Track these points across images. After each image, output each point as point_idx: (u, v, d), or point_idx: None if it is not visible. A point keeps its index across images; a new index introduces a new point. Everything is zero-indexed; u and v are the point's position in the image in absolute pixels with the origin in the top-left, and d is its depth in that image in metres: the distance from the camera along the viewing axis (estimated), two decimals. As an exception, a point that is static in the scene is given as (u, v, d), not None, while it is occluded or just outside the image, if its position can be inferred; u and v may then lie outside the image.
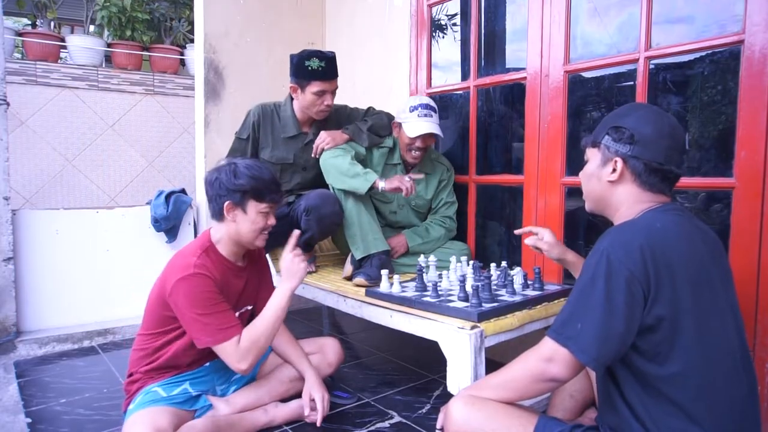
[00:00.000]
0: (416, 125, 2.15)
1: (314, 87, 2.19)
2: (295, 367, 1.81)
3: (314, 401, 1.73)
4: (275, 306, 1.63)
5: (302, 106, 2.28)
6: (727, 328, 1.06)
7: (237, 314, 1.71)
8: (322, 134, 2.25)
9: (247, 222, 1.62)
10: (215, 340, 1.52)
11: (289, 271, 1.67)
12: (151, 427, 1.42)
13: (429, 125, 2.15)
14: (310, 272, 2.29)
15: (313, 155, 2.26)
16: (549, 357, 1.07)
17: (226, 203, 1.59)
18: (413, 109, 2.18)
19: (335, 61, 2.24)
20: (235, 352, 1.53)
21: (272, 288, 1.86)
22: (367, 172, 2.04)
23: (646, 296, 1.00)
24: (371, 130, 2.30)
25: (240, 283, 1.70)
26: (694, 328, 1.01)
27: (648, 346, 1.02)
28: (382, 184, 1.99)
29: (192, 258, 1.56)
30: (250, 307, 1.79)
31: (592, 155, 1.23)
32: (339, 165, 2.09)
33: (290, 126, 2.32)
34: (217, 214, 1.63)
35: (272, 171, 1.69)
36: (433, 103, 2.23)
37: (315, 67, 2.17)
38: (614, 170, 1.16)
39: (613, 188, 1.18)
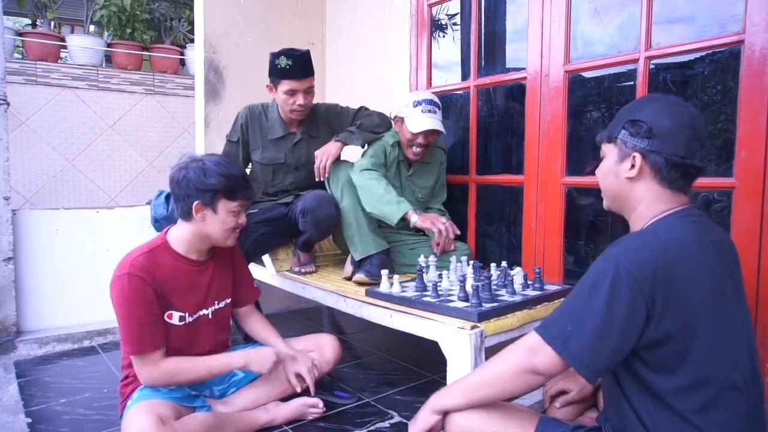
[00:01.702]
0: (419, 121, 2.10)
1: (284, 86, 2.14)
2: (267, 344, 1.81)
3: (300, 376, 1.74)
4: (217, 363, 1.60)
5: (279, 105, 2.25)
6: (737, 342, 1.03)
7: (212, 310, 1.70)
8: (318, 154, 2.20)
9: (218, 222, 1.58)
10: (132, 350, 1.50)
11: (257, 358, 1.63)
12: (153, 413, 1.41)
13: (432, 121, 2.10)
14: (310, 272, 2.29)
15: (318, 179, 2.21)
16: (533, 349, 1.05)
17: (195, 203, 1.54)
18: (417, 103, 2.12)
19: (307, 60, 2.15)
20: (146, 364, 1.51)
21: (251, 281, 1.87)
22: (400, 201, 1.96)
23: (649, 311, 0.97)
24: (361, 128, 2.26)
25: (203, 278, 1.66)
26: (704, 343, 0.98)
27: (655, 359, 1.00)
28: (414, 218, 1.92)
29: (131, 257, 1.52)
30: (228, 301, 1.77)
31: (609, 151, 1.16)
32: (374, 189, 2.01)
33: (277, 127, 2.29)
34: (185, 215, 1.58)
35: (241, 167, 1.62)
36: (437, 99, 2.18)
37: (283, 66, 2.11)
38: (633, 166, 1.09)
39: (631, 185, 1.11)
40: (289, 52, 2.12)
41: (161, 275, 1.54)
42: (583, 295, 1.03)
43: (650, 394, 1.02)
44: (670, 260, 0.98)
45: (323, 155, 2.19)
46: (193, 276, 1.64)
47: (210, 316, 1.70)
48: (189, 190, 1.54)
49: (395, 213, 1.93)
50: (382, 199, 1.98)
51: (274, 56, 2.14)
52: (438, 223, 1.89)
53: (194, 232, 1.61)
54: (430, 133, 2.14)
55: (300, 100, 2.17)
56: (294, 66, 2.12)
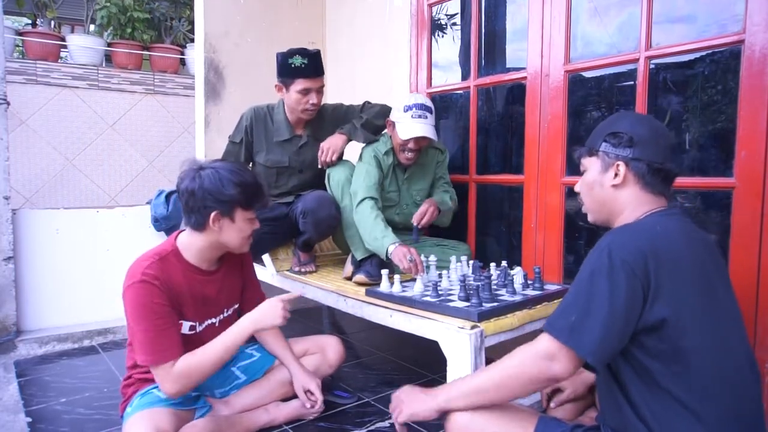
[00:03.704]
0: (409, 127, 2.06)
1: (298, 85, 2.15)
2: (281, 361, 1.80)
3: (309, 391, 1.73)
4: (227, 342, 1.51)
5: (288, 105, 2.24)
6: (731, 332, 1.05)
7: (220, 318, 1.68)
8: (323, 146, 2.21)
9: (235, 231, 1.55)
10: (149, 360, 1.45)
11: (263, 313, 1.55)
12: (152, 427, 1.41)
13: (422, 127, 2.05)
14: (310, 272, 2.29)
15: (321, 167, 2.23)
16: (551, 355, 1.05)
17: (213, 214, 1.49)
18: (407, 108, 2.07)
19: (319, 58, 2.19)
20: (166, 376, 1.45)
21: (258, 285, 1.84)
22: (384, 236, 1.91)
23: (645, 294, 1.01)
24: (366, 126, 2.27)
25: (212, 288, 1.63)
26: (699, 330, 1.01)
27: (653, 343, 1.02)
28: (391, 249, 1.86)
29: (143, 264, 1.48)
30: (236, 307, 1.75)
31: (590, 164, 1.23)
32: (366, 225, 1.97)
33: (283, 129, 2.29)
34: (200, 225, 1.52)
35: (253, 173, 1.61)
36: (429, 103, 2.12)
37: (298, 65, 2.13)
38: (616, 174, 1.16)
39: (616, 193, 1.18)
40: (302, 51, 2.14)
41: (172, 284, 1.51)
42: (582, 288, 1.05)
43: (649, 384, 1.03)
44: (657, 246, 1.03)
45: (329, 149, 2.19)
46: (203, 286, 1.61)
47: (217, 325, 1.67)
48: (206, 200, 1.48)
49: (381, 250, 1.91)
50: (371, 234, 1.95)
51: (286, 56, 2.14)
52: (405, 262, 1.80)
53: (209, 241, 1.56)
54: (421, 139, 2.10)
55: (313, 99, 2.18)
56: (309, 65, 2.14)
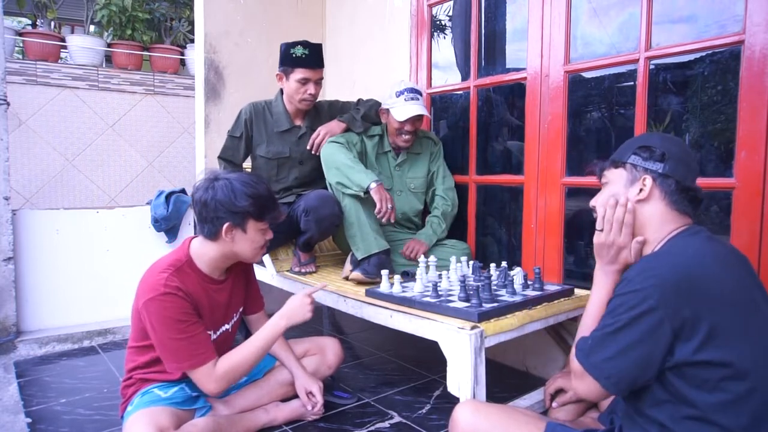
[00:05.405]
0: (404, 109, 2.19)
1: (297, 74, 2.22)
2: (282, 362, 1.81)
3: (311, 393, 1.74)
4: (264, 338, 1.58)
5: (287, 94, 2.31)
6: None
7: (232, 324, 1.71)
8: (319, 129, 2.30)
9: (247, 241, 1.56)
10: (189, 366, 1.48)
11: (293, 309, 1.62)
12: (153, 425, 1.41)
13: (416, 107, 2.19)
14: (310, 272, 2.29)
15: (313, 152, 2.29)
16: (578, 374, 1.06)
17: (226, 225, 1.50)
18: (399, 93, 2.22)
19: (320, 51, 2.28)
20: (208, 376, 1.49)
21: (257, 287, 1.85)
22: (368, 172, 2.06)
23: (675, 329, 0.96)
24: (365, 117, 2.35)
25: (223, 296, 1.65)
26: (744, 354, 0.96)
27: (696, 373, 0.97)
28: (373, 186, 2.00)
29: (162, 276, 1.48)
30: (240, 310, 1.77)
31: (615, 176, 1.19)
32: (344, 159, 2.10)
33: (283, 120, 2.35)
34: (212, 235, 1.54)
35: (268, 184, 1.62)
36: (418, 87, 2.26)
37: (299, 55, 2.21)
38: (641, 189, 1.13)
39: (639, 208, 1.14)
40: (305, 43, 2.23)
41: (191, 294, 1.52)
42: (608, 316, 1.03)
43: (687, 410, 0.99)
44: (691, 275, 0.98)
45: (324, 131, 2.29)
46: (216, 294, 1.63)
47: (230, 330, 1.72)
48: (218, 212, 1.50)
49: (365, 180, 2.01)
50: (353, 168, 2.07)
51: (289, 46, 2.22)
52: (384, 203, 1.97)
53: (221, 251, 1.57)
54: (415, 119, 2.23)
55: (311, 89, 2.25)
56: (310, 55, 2.22)
